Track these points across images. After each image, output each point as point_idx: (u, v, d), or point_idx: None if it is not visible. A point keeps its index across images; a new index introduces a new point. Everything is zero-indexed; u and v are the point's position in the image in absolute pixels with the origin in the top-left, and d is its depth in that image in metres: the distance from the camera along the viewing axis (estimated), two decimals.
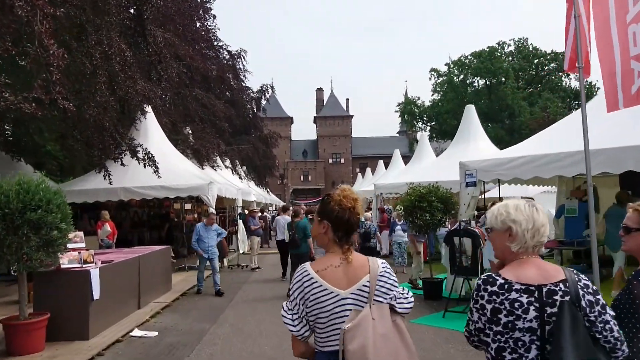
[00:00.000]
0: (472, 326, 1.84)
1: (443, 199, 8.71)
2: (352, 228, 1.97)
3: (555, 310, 1.66)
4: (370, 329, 1.80)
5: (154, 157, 11.15)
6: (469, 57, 46.84)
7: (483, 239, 7.51)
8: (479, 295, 1.77)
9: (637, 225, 2.10)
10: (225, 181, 15.74)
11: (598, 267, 4.38)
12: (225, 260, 13.93)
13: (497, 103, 43.83)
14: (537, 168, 7.03)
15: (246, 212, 16.35)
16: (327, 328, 1.87)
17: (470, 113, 14.09)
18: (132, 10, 10.79)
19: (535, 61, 47.23)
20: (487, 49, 46.38)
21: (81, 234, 6.98)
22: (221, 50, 22.18)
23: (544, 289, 1.69)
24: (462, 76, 47.51)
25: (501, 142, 30.76)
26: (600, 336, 1.67)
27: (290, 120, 77.26)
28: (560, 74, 45.65)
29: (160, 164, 11.23)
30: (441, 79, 48.56)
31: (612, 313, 1.72)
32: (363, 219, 10.21)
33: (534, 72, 48.00)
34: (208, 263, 9.91)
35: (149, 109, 12.74)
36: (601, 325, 1.67)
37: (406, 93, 76.40)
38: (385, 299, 1.90)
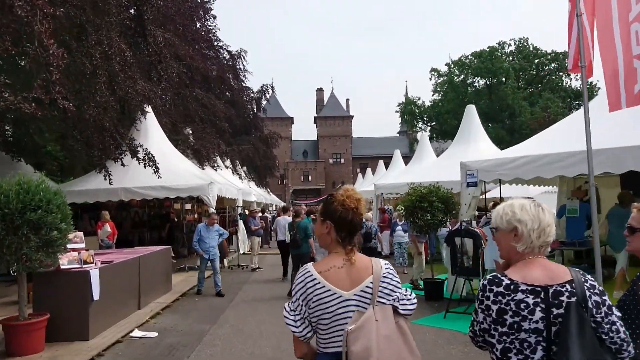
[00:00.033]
0: (477, 327, 1.82)
1: (444, 199, 8.69)
2: (355, 228, 1.96)
3: (561, 311, 1.64)
4: (374, 330, 1.79)
5: (154, 157, 11.13)
6: (470, 57, 46.84)
7: (484, 239, 7.49)
8: (484, 296, 1.75)
9: None
10: (225, 181, 15.72)
11: (601, 268, 4.34)
12: (225, 260, 13.90)
13: (498, 103, 43.82)
14: (539, 168, 7.01)
15: (246, 212, 16.34)
16: (330, 329, 1.86)
17: (471, 113, 14.07)
18: (132, 11, 10.78)
19: (536, 61, 47.23)
20: (488, 49, 46.38)
21: (81, 234, 6.96)
22: (221, 51, 22.17)
23: (550, 290, 1.68)
24: (462, 76, 47.51)
25: (502, 142, 30.74)
26: (607, 337, 1.66)
27: (290, 120, 77.26)
28: (561, 73, 45.67)
29: (161, 164, 11.22)
30: (441, 79, 48.57)
31: (619, 314, 1.70)
32: (364, 220, 10.19)
33: (534, 72, 47.99)
34: (209, 264, 9.88)
35: (149, 109, 12.72)
36: (608, 326, 1.66)
37: (406, 93, 76.34)
38: (389, 300, 1.89)
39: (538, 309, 1.66)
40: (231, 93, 23.47)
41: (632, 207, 2.20)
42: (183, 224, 14.72)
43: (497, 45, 47.36)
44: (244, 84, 25.18)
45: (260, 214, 17.43)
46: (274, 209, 31.51)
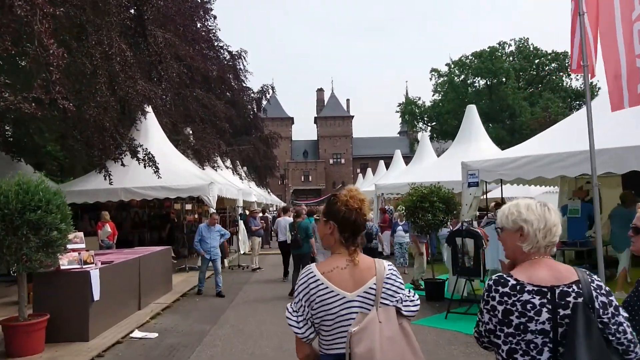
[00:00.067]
0: (482, 327, 1.80)
1: (445, 199, 8.67)
2: (359, 229, 1.94)
3: (568, 312, 1.63)
4: (377, 332, 1.77)
5: (154, 157, 11.12)
6: (470, 57, 46.82)
7: (485, 239, 7.47)
8: (489, 296, 1.73)
9: None
10: (225, 181, 15.71)
11: (603, 268, 4.32)
12: (226, 260, 13.89)
13: (498, 103, 43.80)
14: (540, 168, 6.98)
15: (247, 212, 16.32)
16: (333, 331, 1.84)
17: (472, 113, 14.05)
18: (132, 11, 10.77)
19: (536, 61, 47.21)
20: (488, 49, 46.36)
21: (81, 234, 6.94)
22: (222, 51, 22.17)
23: (557, 291, 1.66)
24: (462, 76, 47.49)
25: (502, 143, 30.72)
26: (614, 338, 1.64)
27: (290, 120, 77.25)
28: (561, 74, 45.65)
29: (161, 165, 11.20)
30: (442, 79, 48.56)
31: (626, 315, 1.69)
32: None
33: (534, 72, 47.97)
34: (210, 264, 9.86)
35: (149, 109, 12.71)
36: (614, 327, 1.64)
37: (407, 93, 76.30)
38: (392, 301, 1.88)
39: (544, 309, 1.64)
40: (231, 93, 23.46)
41: (638, 207, 2.18)
42: (183, 224, 14.71)
43: (497, 46, 47.36)
44: (244, 84, 25.18)
45: (260, 214, 17.42)
46: (274, 209, 31.51)
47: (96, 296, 6.32)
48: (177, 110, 15.95)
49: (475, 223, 8.26)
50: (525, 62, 46.49)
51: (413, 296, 1.96)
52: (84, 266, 6.40)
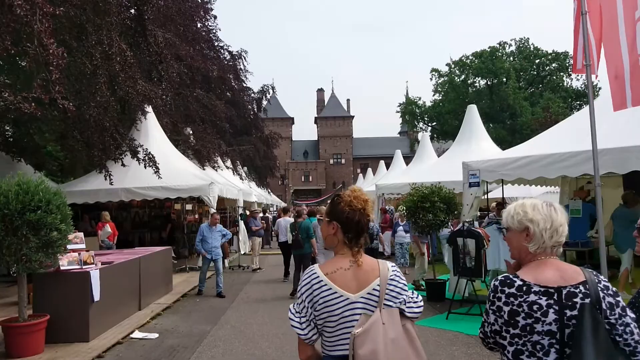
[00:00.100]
0: (488, 328, 1.78)
1: (446, 199, 8.65)
2: (362, 230, 1.92)
3: (575, 313, 1.61)
4: (381, 334, 1.76)
5: (154, 157, 11.10)
6: (470, 57, 46.81)
7: (487, 239, 7.45)
8: (495, 297, 1.72)
9: None
10: (226, 182, 15.69)
11: (606, 268, 4.29)
12: (226, 261, 13.87)
13: (499, 103, 43.79)
14: (542, 168, 6.96)
15: (247, 212, 16.30)
16: (336, 332, 1.83)
17: (472, 113, 14.04)
18: (132, 11, 10.76)
19: (537, 61, 47.18)
20: (488, 49, 46.37)
21: (81, 234, 6.92)
22: (222, 51, 22.19)
23: (564, 291, 1.64)
24: (463, 76, 47.48)
25: (503, 143, 30.70)
26: (621, 339, 1.62)
27: (291, 120, 77.23)
28: (562, 74, 45.63)
29: (161, 165, 11.18)
30: (442, 79, 48.55)
31: (633, 315, 1.67)
32: None
33: (535, 72, 47.94)
34: (211, 264, 9.83)
35: (149, 109, 12.69)
36: (622, 327, 1.62)
37: (407, 93, 76.24)
38: (395, 303, 1.86)
39: (551, 310, 1.62)
40: (232, 93, 23.46)
41: None
42: (184, 224, 14.68)
43: (497, 46, 47.38)
44: (244, 84, 25.19)
45: (261, 214, 17.40)
46: (275, 209, 31.50)
47: (96, 297, 6.30)
48: (178, 110, 15.94)
49: (476, 223, 8.23)
50: (525, 62, 46.47)
51: (416, 297, 1.94)
52: (83, 267, 6.38)
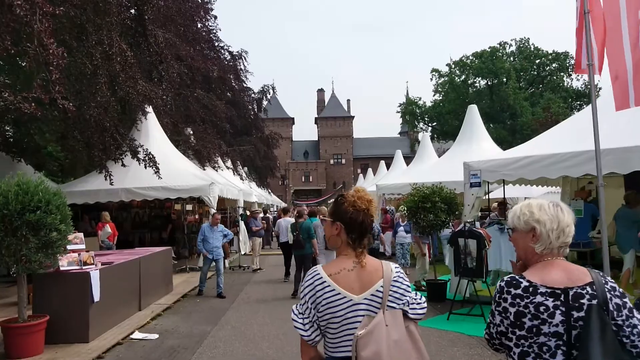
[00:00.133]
0: (494, 329, 1.77)
1: (447, 199, 8.62)
2: (366, 230, 1.91)
3: (582, 314, 1.59)
4: (384, 335, 1.74)
5: (154, 157, 11.08)
6: (470, 58, 46.80)
7: (488, 240, 7.42)
8: (501, 298, 1.70)
9: None
10: (226, 182, 15.67)
11: (609, 268, 4.27)
12: (226, 261, 13.85)
13: (499, 103, 43.78)
14: (543, 168, 6.94)
15: (247, 213, 16.27)
16: (339, 333, 1.81)
17: (473, 113, 14.02)
18: (132, 11, 10.74)
19: (537, 61, 47.17)
20: (489, 49, 46.36)
21: (81, 235, 6.90)
22: (222, 51, 22.17)
23: (571, 292, 1.62)
24: (463, 76, 47.46)
25: (503, 143, 30.69)
26: (628, 341, 1.60)
27: (291, 121, 77.24)
28: (562, 74, 45.61)
29: (161, 165, 11.16)
30: (442, 79, 48.54)
31: None
32: None
33: (535, 72, 47.94)
34: (212, 264, 9.80)
35: (149, 109, 12.68)
36: (629, 329, 1.60)
37: (407, 93, 76.16)
38: (399, 304, 1.84)
39: (558, 312, 1.60)
40: (232, 93, 23.44)
41: None
42: (184, 224, 14.66)
43: (498, 46, 47.37)
44: (245, 85, 25.19)
45: (262, 215, 17.37)
46: (275, 209, 31.48)
47: (96, 297, 6.28)
48: (178, 110, 15.93)
49: (477, 224, 8.20)
50: (526, 62, 46.46)
51: (420, 299, 1.92)
52: (83, 267, 6.36)
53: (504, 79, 44.49)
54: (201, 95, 17.04)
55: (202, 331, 6.94)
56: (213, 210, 11.60)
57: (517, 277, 1.71)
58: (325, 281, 1.82)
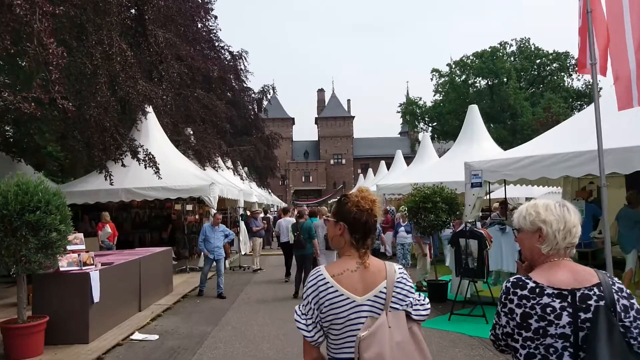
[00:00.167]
0: (499, 330, 1.75)
1: (448, 199, 8.60)
2: (370, 231, 1.88)
3: (589, 315, 1.57)
4: (387, 337, 1.72)
5: (154, 157, 11.06)
6: (471, 57, 46.76)
7: (489, 240, 7.40)
8: (507, 299, 1.68)
9: None
10: (226, 182, 15.66)
11: (612, 268, 4.24)
12: (227, 262, 13.83)
13: (499, 103, 43.74)
14: (545, 168, 6.92)
15: (248, 213, 16.25)
16: (342, 335, 1.79)
17: (474, 113, 13.99)
18: (133, 11, 10.72)
19: (538, 61, 47.13)
20: (489, 49, 46.32)
21: (81, 235, 6.88)
22: (222, 51, 22.15)
23: (578, 294, 1.61)
24: (463, 76, 47.43)
25: (504, 143, 30.66)
26: (635, 342, 1.58)
27: (291, 121, 77.20)
28: (563, 74, 45.58)
29: (162, 165, 11.14)
30: (443, 79, 48.50)
31: None
32: None
33: (536, 72, 47.90)
34: (213, 264, 9.78)
35: (150, 109, 12.66)
36: (636, 331, 1.59)
37: (407, 94, 76.10)
38: (402, 305, 1.82)
39: (565, 313, 1.59)
40: (232, 93, 23.42)
41: None
42: (184, 225, 14.65)
43: (498, 46, 47.31)
44: (245, 85, 25.17)
45: (262, 215, 17.34)
46: (275, 209, 31.47)
47: (96, 298, 6.25)
48: (178, 110, 15.91)
49: (478, 224, 8.18)
50: (526, 62, 46.42)
51: (423, 300, 1.91)
52: (83, 268, 6.34)
53: (505, 79, 44.45)
54: (201, 95, 17.02)
55: (202, 332, 6.92)
56: (213, 211, 11.58)
57: (523, 278, 1.69)
58: (328, 282, 1.80)
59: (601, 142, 4.30)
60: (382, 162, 28.87)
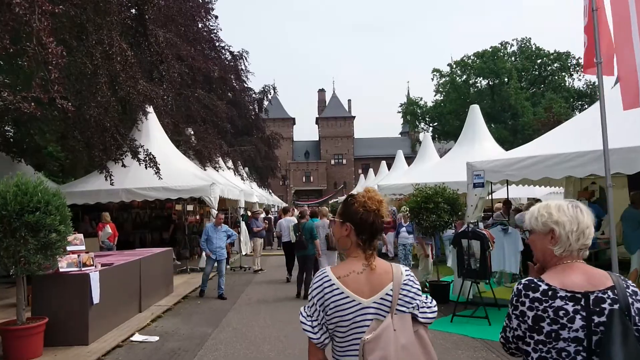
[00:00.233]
0: (510, 333, 1.71)
1: (450, 200, 8.54)
2: (376, 231, 1.84)
3: (603, 319, 1.53)
4: (392, 340, 1.68)
5: (155, 158, 11.03)
6: (472, 57, 46.70)
7: (492, 241, 7.34)
8: (519, 301, 1.64)
9: None
10: (227, 182, 15.62)
11: (618, 269, 4.20)
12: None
13: (500, 103, 43.67)
14: (548, 168, 6.88)
15: (249, 213, 16.20)
16: (347, 337, 1.75)
17: (475, 113, 13.94)
18: (133, 10, 10.68)
19: (539, 61, 47.06)
20: (490, 49, 46.25)
21: (81, 236, 6.84)
22: (223, 51, 22.12)
23: (591, 297, 1.56)
24: (464, 76, 47.37)
25: (505, 143, 30.59)
26: None
27: (292, 121, 77.17)
28: (564, 74, 45.51)
29: (162, 165, 11.11)
30: (443, 79, 48.43)
31: None
32: None
33: (537, 72, 47.83)
34: (215, 264, 9.72)
35: (150, 109, 12.63)
36: None
37: (408, 93, 76.05)
38: (408, 308, 1.78)
39: (578, 316, 1.54)
40: (233, 94, 23.40)
41: None
42: (185, 225, 14.60)
43: (499, 46, 47.24)
44: (245, 85, 25.14)
45: (263, 215, 17.29)
46: (276, 209, 31.44)
47: (96, 299, 6.21)
48: (179, 110, 15.88)
49: (481, 224, 8.13)
50: (527, 62, 46.35)
51: (430, 302, 1.86)
52: (83, 269, 6.30)
53: (506, 79, 44.38)
54: (202, 95, 16.99)
55: (203, 333, 6.87)
56: (214, 211, 11.54)
57: (535, 280, 1.65)
58: (334, 284, 1.76)
59: (607, 141, 4.26)
60: (383, 162, 28.83)
